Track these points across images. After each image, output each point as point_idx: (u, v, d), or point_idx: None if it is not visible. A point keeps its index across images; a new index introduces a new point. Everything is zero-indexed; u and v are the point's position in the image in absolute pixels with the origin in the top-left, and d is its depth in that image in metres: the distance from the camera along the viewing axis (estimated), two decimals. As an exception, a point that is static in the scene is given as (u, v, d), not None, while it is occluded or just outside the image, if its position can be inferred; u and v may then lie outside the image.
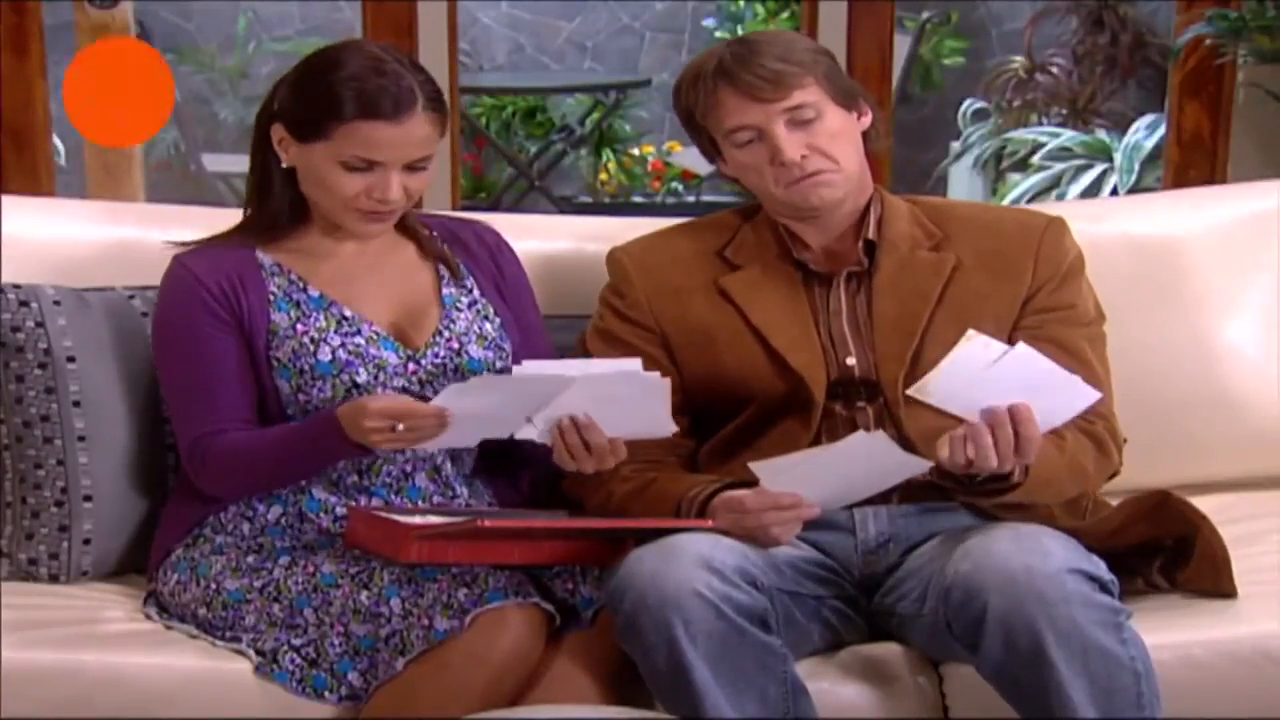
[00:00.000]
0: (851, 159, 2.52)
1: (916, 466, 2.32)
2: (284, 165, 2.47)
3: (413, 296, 2.55)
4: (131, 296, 2.68)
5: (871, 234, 2.55)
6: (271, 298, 2.48)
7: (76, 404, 2.58)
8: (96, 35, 4.40)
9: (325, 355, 2.46)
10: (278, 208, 2.51)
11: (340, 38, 7.20)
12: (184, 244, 2.55)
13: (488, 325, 2.56)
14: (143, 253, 2.78)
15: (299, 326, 2.47)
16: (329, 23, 7.38)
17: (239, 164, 6.95)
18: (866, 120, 2.55)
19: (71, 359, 2.59)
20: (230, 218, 2.61)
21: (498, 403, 2.31)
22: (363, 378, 2.45)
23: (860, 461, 2.31)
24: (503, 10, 7.63)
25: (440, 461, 2.52)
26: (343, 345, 2.47)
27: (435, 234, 2.61)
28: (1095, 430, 2.49)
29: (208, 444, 2.46)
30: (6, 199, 2.85)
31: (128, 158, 4.54)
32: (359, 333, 2.48)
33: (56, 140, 4.82)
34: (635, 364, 2.36)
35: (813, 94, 2.48)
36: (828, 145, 2.48)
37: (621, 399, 2.32)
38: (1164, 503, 2.44)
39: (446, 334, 2.52)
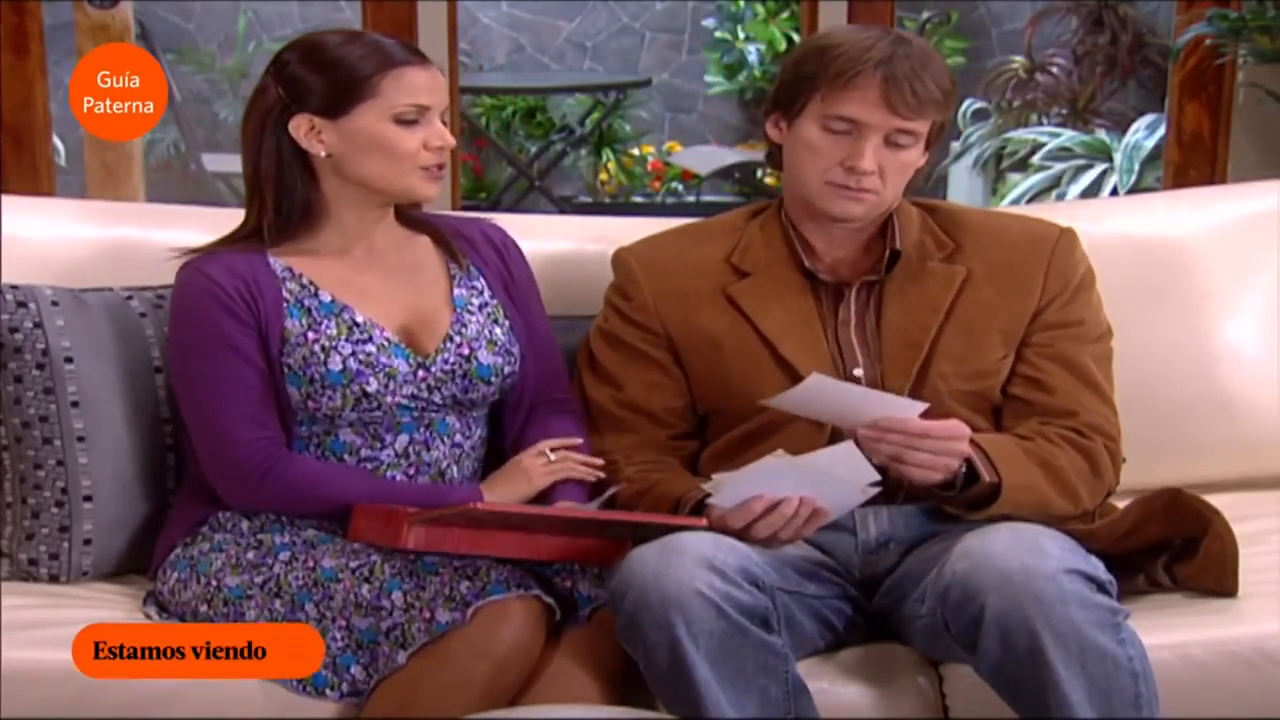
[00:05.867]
0: (897, 191, 2.51)
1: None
2: (324, 155, 2.45)
3: (423, 299, 2.54)
4: (129, 297, 2.67)
5: (898, 244, 2.54)
6: (285, 303, 2.47)
7: (75, 404, 2.58)
8: (96, 35, 4.39)
9: (336, 365, 2.45)
10: (293, 206, 2.48)
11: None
12: (191, 250, 2.51)
13: (498, 330, 2.56)
14: (142, 253, 2.78)
15: (310, 334, 2.46)
16: (329, 23, 7.37)
17: (239, 164, 7.00)
18: (925, 157, 2.54)
19: (70, 359, 2.58)
20: (230, 217, 2.60)
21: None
22: (372, 387, 2.45)
23: (822, 474, 2.30)
24: (503, 10, 7.62)
25: (445, 466, 2.53)
26: (353, 354, 2.46)
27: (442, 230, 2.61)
28: (1090, 447, 2.48)
29: (277, 455, 2.43)
30: (6, 199, 2.85)
31: (128, 158, 4.53)
32: (370, 340, 2.47)
33: (56, 140, 4.82)
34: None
35: (926, 128, 2.47)
36: (893, 174, 2.47)
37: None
38: (1175, 500, 2.44)
39: (457, 339, 2.51)
